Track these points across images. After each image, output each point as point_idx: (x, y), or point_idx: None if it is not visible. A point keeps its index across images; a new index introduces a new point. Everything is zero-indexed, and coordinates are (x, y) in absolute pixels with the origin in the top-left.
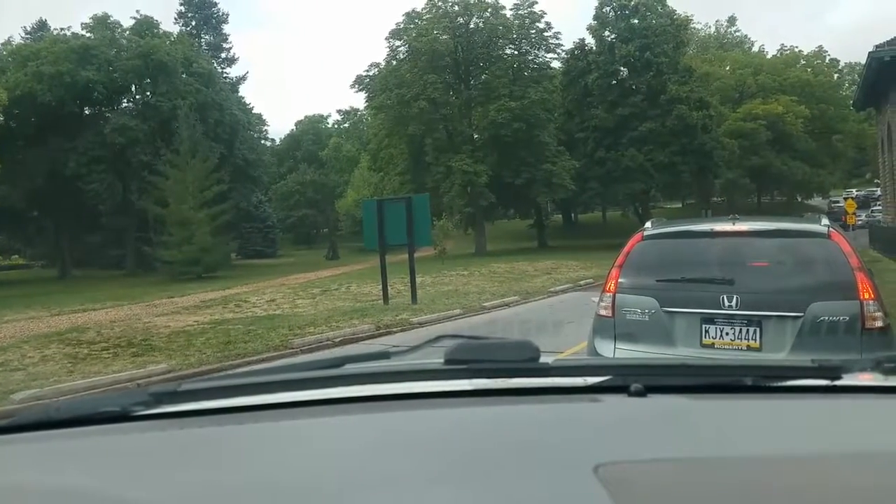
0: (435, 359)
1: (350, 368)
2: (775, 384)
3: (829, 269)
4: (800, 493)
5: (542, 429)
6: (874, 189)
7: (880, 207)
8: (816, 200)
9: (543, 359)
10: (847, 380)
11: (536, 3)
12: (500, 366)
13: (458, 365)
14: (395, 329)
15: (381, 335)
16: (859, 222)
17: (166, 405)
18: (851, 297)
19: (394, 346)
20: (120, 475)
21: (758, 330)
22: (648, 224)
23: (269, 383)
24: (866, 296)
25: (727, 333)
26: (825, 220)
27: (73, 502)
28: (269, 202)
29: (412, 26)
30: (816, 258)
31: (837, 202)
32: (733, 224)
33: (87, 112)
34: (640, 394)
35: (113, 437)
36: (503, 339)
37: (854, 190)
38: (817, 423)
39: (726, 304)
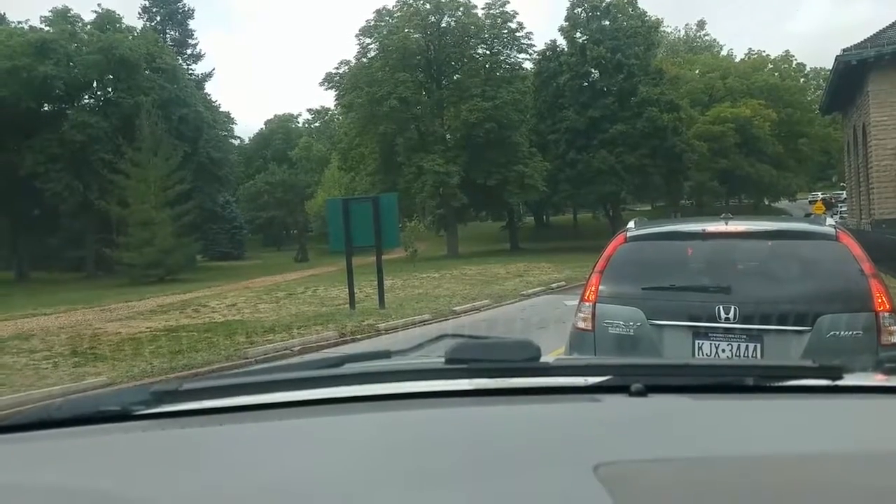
0: (435, 358)
1: (351, 368)
2: (777, 384)
3: (839, 275)
4: (801, 494)
5: (543, 428)
6: (840, 192)
7: (846, 209)
8: (784, 203)
9: (544, 358)
10: (848, 380)
11: (508, 2)
12: (500, 365)
13: (458, 364)
14: (359, 336)
15: (344, 343)
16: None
17: (167, 404)
18: (865, 309)
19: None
20: (121, 474)
21: (759, 346)
22: (631, 224)
23: (270, 382)
24: (882, 307)
25: (723, 350)
26: (830, 220)
27: (73, 501)
28: (236, 202)
29: (383, 24)
30: (823, 263)
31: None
32: (726, 224)
33: (45, 108)
34: (641, 393)
35: (114, 437)
36: (503, 338)
37: (819, 193)
38: (819, 422)
39: (723, 315)
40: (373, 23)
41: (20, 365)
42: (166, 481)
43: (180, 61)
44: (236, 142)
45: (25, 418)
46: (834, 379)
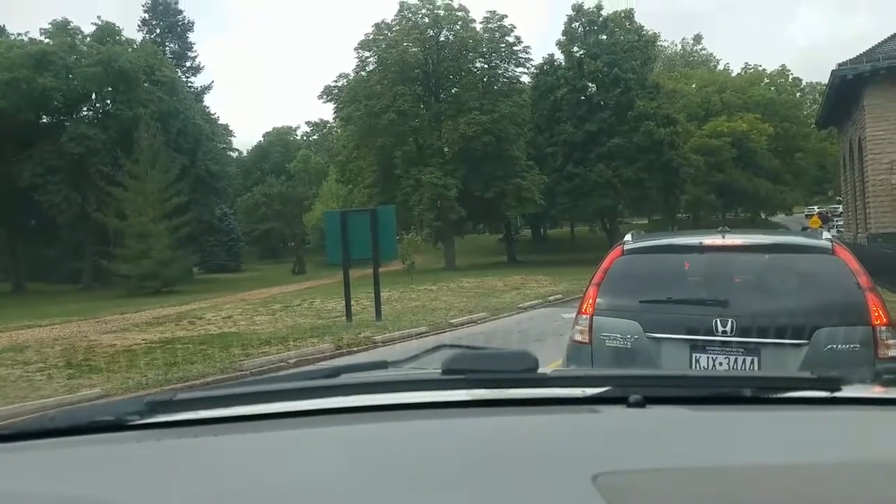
0: (432, 369)
1: (347, 378)
2: (775, 395)
3: (836, 289)
4: None
5: (541, 439)
6: (836, 206)
7: (842, 223)
8: (780, 217)
9: (541, 370)
10: (847, 391)
11: (506, 17)
12: (498, 376)
13: (455, 375)
14: (356, 348)
15: (341, 355)
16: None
17: (162, 414)
18: (862, 322)
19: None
20: (115, 484)
21: (755, 360)
22: (628, 237)
23: (265, 393)
24: (879, 320)
25: (721, 363)
26: (826, 234)
27: None
28: (234, 214)
29: (381, 38)
30: (820, 277)
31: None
32: (723, 237)
33: (44, 120)
34: (639, 405)
35: (108, 447)
36: (501, 349)
37: (816, 207)
38: (817, 434)
39: (720, 329)
40: (371, 36)
41: (14, 376)
42: (161, 491)
43: (179, 74)
44: (235, 154)
45: (21, 428)
46: (832, 390)
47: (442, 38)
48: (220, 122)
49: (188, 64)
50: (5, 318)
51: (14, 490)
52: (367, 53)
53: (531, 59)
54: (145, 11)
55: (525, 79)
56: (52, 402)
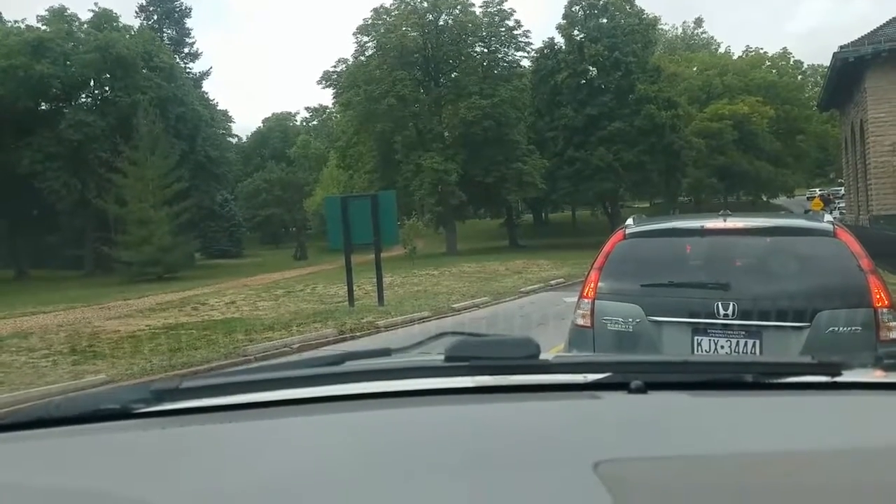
0: (435, 355)
1: (351, 365)
2: (776, 381)
3: (837, 271)
4: (800, 490)
5: (543, 426)
6: (837, 189)
7: (843, 205)
8: (782, 199)
9: (543, 355)
10: (848, 376)
11: (506, 0)
12: (500, 362)
13: (458, 362)
14: (359, 333)
15: (344, 340)
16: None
17: (167, 402)
18: (864, 305)
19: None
20: (120, 473)
21: (757, 342)
22: (630, 221)
23: (269, 380)
24: (880, 303)
25: (722, 346)
26: (828, 217)
27: (73, 500)
28: (234, 200)
29: (380, 22)
30: (822, 259)
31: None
32: (725, 220)
33: (42, 107)
34: (641, 390)
35: (113, 435)
36: (503, 335)
37: (817, 189)
38: (818, 419)
39: (721, 312)
40: (370, 21)
41: (19, 363)
42: (166, 480)
43: (177, 60)
44: (234, 140)
45: (24, 417)
46: (833, 375)
47: (441, 23)
48: (219, 108)
49: (186, 50)
50: (8, 305)
51: (17, 480)
52: (365, 38)
53: (531, 43)
54: None
55: (525, 63)
56: (58, 388)
